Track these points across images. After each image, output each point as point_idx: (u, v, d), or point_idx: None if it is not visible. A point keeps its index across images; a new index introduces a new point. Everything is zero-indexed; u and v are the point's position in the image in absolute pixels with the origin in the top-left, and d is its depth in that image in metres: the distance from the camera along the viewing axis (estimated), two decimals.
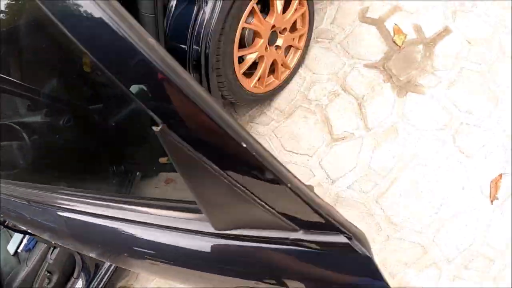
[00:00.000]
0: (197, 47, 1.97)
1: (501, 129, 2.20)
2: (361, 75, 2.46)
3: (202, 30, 1.93)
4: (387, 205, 2.18)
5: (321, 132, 2.39)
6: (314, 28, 2.58)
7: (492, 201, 2.10)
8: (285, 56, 2.48)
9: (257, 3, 2.18)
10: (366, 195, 2.22)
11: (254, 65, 2.31)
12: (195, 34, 1.96)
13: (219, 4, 1.92)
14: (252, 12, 2.13)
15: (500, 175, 2.13)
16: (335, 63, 2.54)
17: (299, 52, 2.51)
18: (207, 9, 1.92)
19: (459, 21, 2.45)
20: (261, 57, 2.28)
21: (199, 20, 1.94)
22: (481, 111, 2.25)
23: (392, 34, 2.50)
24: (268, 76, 2.41)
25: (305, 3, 2.37)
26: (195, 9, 1.94)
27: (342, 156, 2.32)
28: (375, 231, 2.17)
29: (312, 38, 2.55)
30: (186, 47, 2.00)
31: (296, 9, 2.34)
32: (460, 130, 2.24)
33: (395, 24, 2.51)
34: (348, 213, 2.21)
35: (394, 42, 2.48)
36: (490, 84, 2.29)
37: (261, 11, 2.28)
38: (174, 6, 1.98)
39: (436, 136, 2.25)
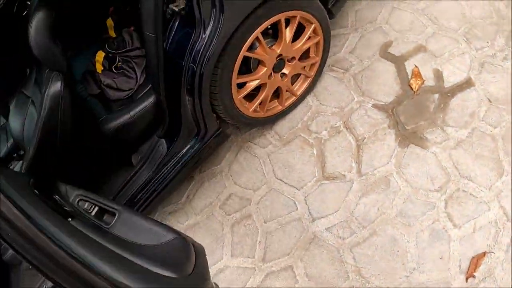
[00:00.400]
0: (193, 65, 1.95)
1: (498, 205, 2.06)
2: (367, 115, 2.36)
3: (199, 56, 1.91)
4: (360, 256, 2.13)
5: (314, 167, 2.34)
6: (331, 54, 2.48)
7: (467, 279, 2.00)
8: (293, 83, 2.41)
9: (268, 28, 2.12)
10: (342, 241, 2.17)
11: (258, 87, 2.27)
12: (192, 57, 1.94)
13: (217, 33, 1.87)
14: (257, 39, 2.07)
15: (484, 253, 2.01)
16: (344, 97, 2.46)
17: (308, 80, 2.43)
18: (205, 36, 1.88)
19: (485, 74, 2.27)
20: (263, 84, 2.23)
21: (197, 46, 1.91)
22: (482, 180, 2.12)
23: (409, 76, 2.37)
24: (271, 100, 2.37)
25: (320, 32, 2.27)
26: (193, 35, 1.91)
27: (329, 196, 2.27)
28: (342, 279, 2.13)
29: (327, 64, 2.46)
30: (183, 62, 1.99)
31: (309, 38, 2.26)
32: (454, 196, 2.12)
33: (416, 66, 2.37)
34: (320, 255, 2.19)
35: (410, 86, 2.34)
36: (500, 152, 2.14)
37: (272, 36, 2.23)
38: (175, 28, 1.97)
39: (427, 197, 2.14)
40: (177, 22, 1.96)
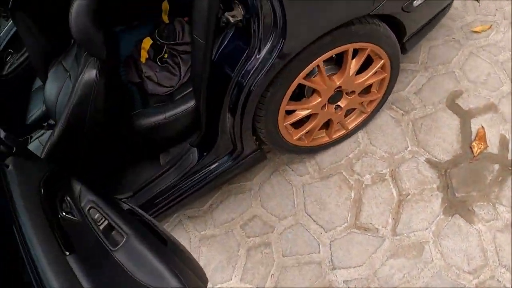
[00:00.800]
0: (242, 83, 1.75)
1: None
2: (417, 170, 2.16)
3: (249, 76, 1.69)
4: None
5: (348, 212, 2.17)
6: (394, 91, 2.26)
7: None
8: (346, 115, 2.21)
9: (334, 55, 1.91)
10: None
11: (307, 115, 2.08)
12: (241, 75, 1.73)
13: (273, 56, 1.64)
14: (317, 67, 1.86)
15: None
16: (398, 142, 2.25)
17: (364, 116, 2.23)
18: (259, 57, 1.65)
19: None
20: (314, 114, 2.05)
21: (248, 65, 1.69)
22: None
23: (473, 137, 2.13)
24: (319, 129, 2.19)
25: (388, 69, 2.05)
26: (246, 52, 1.70)
27: (355, 247, 2.10)
28: None
29: (387, 101, 2.24)
30: (230, 77, 1.80)
31: (375, 73, 2.04)
32: (487, 284, 1.92)
33: (482, 127, 2.14)
34: None
35: (471, 148, 2.12)
36: None
37: (335, 62, 2.01)
38: (227, 39, 1.76)
39: (458, 277, 1.95)
40: (231, 33, 1.74)
